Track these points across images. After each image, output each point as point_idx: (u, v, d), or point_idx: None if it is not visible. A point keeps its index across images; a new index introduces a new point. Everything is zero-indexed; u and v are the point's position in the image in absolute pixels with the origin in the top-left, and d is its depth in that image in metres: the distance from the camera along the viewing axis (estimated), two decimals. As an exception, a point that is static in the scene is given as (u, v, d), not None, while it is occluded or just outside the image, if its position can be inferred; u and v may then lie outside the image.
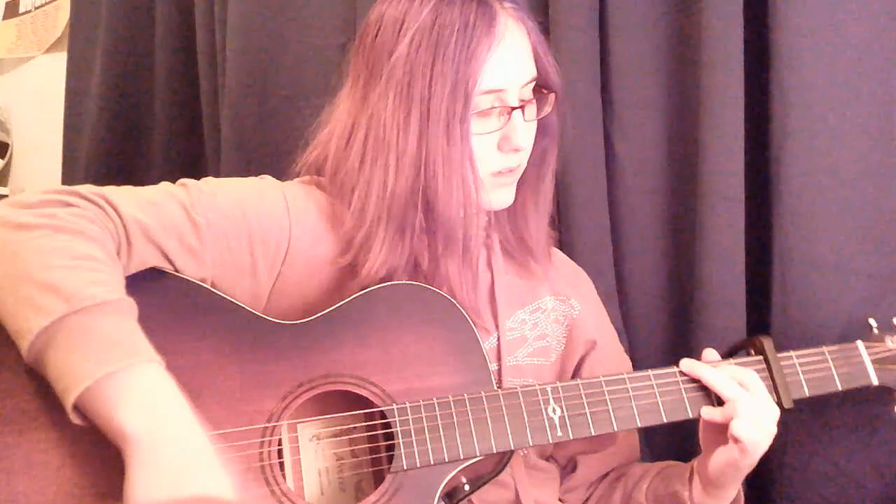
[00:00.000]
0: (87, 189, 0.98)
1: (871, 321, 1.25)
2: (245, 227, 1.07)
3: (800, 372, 1.16)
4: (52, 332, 0.86)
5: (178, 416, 0.88)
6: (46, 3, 2.64)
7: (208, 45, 1.95)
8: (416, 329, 1.08)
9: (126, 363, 0.86)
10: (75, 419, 0.87)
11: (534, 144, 1.18)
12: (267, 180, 1.16)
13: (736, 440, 1.07)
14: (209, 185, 1.09)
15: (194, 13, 1.98)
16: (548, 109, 1.18)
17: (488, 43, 1.07)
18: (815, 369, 1.17)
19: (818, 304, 1.33)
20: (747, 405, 1.08)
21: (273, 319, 1.05)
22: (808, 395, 1.16)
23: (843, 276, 1.32)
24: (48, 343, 0.86)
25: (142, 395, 0.86)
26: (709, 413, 1.10)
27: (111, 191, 1.00)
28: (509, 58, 1.10)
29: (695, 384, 1.12)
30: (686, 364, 1.12)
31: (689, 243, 1.43)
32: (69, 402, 0.85)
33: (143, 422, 0.85)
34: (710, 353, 1.17)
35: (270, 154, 1.79)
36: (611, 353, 1.31)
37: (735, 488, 1.15)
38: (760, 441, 1.07)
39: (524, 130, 1.12)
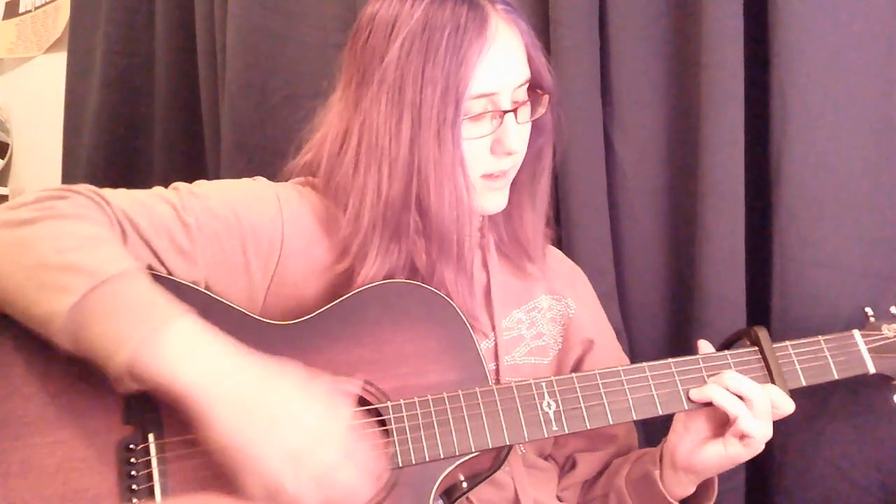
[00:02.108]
0: (81, 187, 1.01)
1: (868, 310, 1.25)
2: (237, 228, 1.07)
3: (795, 361, 1.16)
4: (83, 307, 0.88)
5: (225, 355, 0.92)
6: (46, 3, 2.64)
7: (208, 45, 1.95)
8: (410, 327, 1.08)
9: (161, 320, 0.89)
10: (125, 387, 0.89)
11: (529, 145, 1.18)
12: (260, 181, 1.17)
13: (743, 436, 1.07)
14: (201, 187, 1.10)
15: (194, 13, 1.98)
16: (542, 110, 1.18)
17: (479, 47, 1.07)
18: (811, 358, 1.17)
19: (818, 304, 1.33)
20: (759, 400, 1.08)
21: (266, 320, 1.06)
22: (804, 384, 1.15)
23: (842, 275, 1.32)
24: (82, 319, 0.88)
25: (186, 348, 0.90)
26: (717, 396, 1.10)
27: (103, 190, 1.02)
28: (501, 61, 1.10)
29: (690, 377, 1.12)
30: (695, 393, 1.11)
31: (689, 243, 1.43)
32: (118, 366, 0.87)
33: (195, 373, 0.89)
34: (704, 345, 1.17)
35: (270, 154, 1.79)
36: (608, 352, 1.31)
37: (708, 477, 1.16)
38: (766, 436, 1.08)
39: (517, 133, 1.12)
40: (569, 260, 1.39)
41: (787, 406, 1.11)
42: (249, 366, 0.92)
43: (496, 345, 1.20)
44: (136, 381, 0.89)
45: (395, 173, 1.08)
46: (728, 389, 1.09)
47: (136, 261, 0.98)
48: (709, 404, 1.10)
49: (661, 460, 1.17)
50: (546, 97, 1.17)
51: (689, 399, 1.11)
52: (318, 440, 0.90)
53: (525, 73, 1.14)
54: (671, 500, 1.15)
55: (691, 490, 1.16)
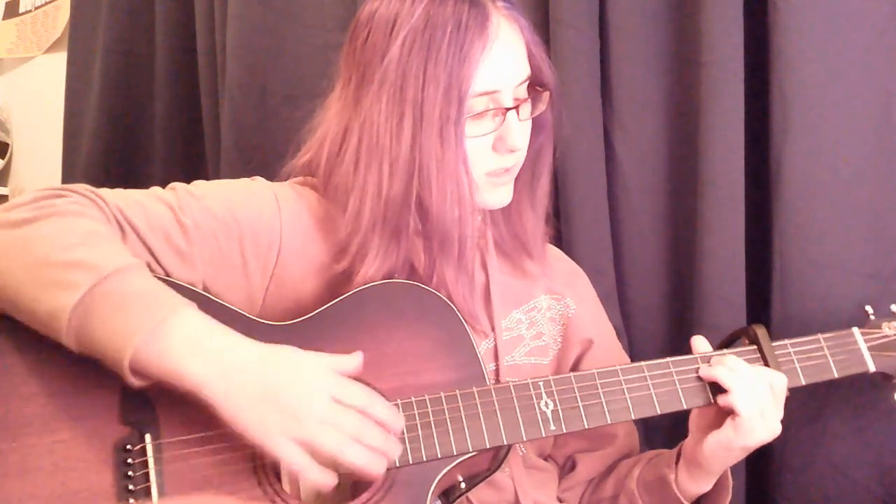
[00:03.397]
0: (79, 186, 1.01)
1: (868, 308, 1.25)
2: (235, 228, 1.07)
3: (795, 360, 1.15)
4: (88, 303, 0.88)
5: (229, 344, 0.94)
6: (46, 3, 2.64)
7: (208, 45, 1.95)
8: (408, 327, 1.08)
9: (165, 313, 0.90)
10: (134, 381, 0.90)
11: (529, 142, 1.18)
12: (258, 181, 1.16)
13: (733, 413, 1.07)
14: (198, 187, 1.10)
15: (194, 13, 1.98)
16: (542, 107, 1.17)
17: (481, 45, 1.06)
18: (810, 357, 1.16)
19: (818, 304, 1.33)
20: (744, 380, 1.09)
21: (264, 321, 1.05)
22: (804, 383, 1.15)
23: (842, 275, 1.32)
24: (87, 314, 0.88)
25: (193, 339, 0.91)
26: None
27: (100, 189, 1.02)
28: (503, 58, 1.09)
29: (689, 376, 1.12)
30: (704, 372, 1.12)
31: (689, 243, 1.43)
32: (125, 361, 0.88)
33: (203, 364, 0.90)
34: (700, 342, 1.16)
35: (270, 154, 1.79)
36: (608, 351, 1.31)
37: (720, 473, 1.15)
38: (754, 417, 1.07)
39: (519, 130, 1.12)
40: (569, 259, 1.39)
41: (780, 382, 1.11)
42: (254, 354, 0.94)
43: (496, 345, 1.20)
44: (142, 374, 0.90)
45: (396, 172, 1.08)
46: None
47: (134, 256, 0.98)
48: (714, 385, 1.10)
49: (676, 463, 1.17)
50: (547, 94, 1.17)
51: (687, 399, 1.11)
52: (326, 424, 0.92)
53: (526, 71, 1.13)
54: (684, 501, 1.15)
55: (704, 487, 1.16)
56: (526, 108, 1.15)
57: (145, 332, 0.88)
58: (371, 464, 0.94)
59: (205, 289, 1.05)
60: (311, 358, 0.96)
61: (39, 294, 0.90)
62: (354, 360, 0.98)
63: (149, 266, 1.01)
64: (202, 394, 0.90)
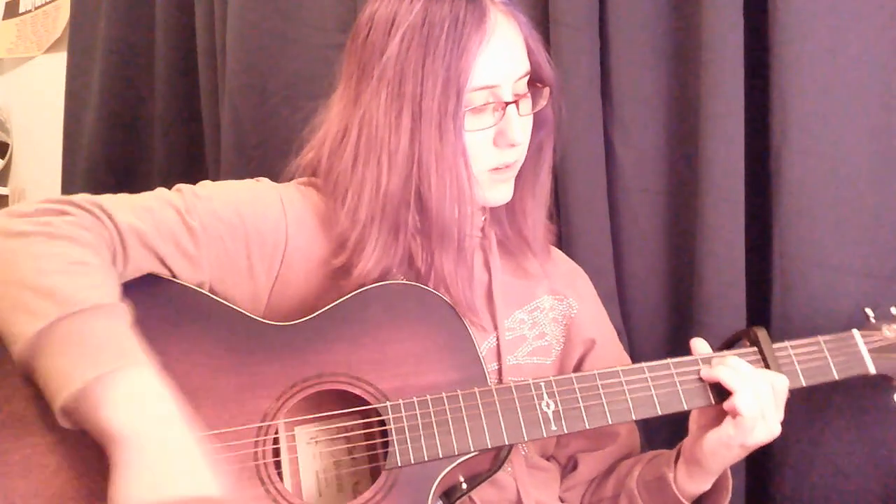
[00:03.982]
0: (83, 198, 0.99)
1: (868, 311, 1.25)
2: (241, 230, 1.07)
3: (795, 362, 1.16)
4: (45, 335, 0.86)
5: (166, 418, 0.88)
6: (46, 3, 2.64)
7: (208, 44, 1.95)
8: (409, 327, 1.08)
9: (115, 366, 0.86)
10: (64, 423, 0.87)
11: (530, 139, 1.18)
12: (263, 182, 1.17)
13: (734, 413, 1.07)
14: (204, 189, 1.10)
15: (194, 13, 1.98)
16: (543, 103, 1.18)
17: (479, 39, 1.07)
18: (810, 359, 1.17)
19: (818, 304, 1.33)
20: (746, 380, 1.09)
21: (267, 321, 1.06)
22: (804, 384, 1.15)
23: (842, 275, 1.32)
24: (40, 348, 0.86)
25: (129, 397, 0.86)
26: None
27: (106, 198, 1.01)
28: (501, 53, 1.10)
29: (690, 377, 1.12)
30: (706, 373, 1.12)
31: (689, 243, 1.43)
32: (58, 405, 0.85)
33: (129, 423, 0.85)
34: (699, 344, 1.16)
35: (270, 154, 1.79)
36: (610, 352, 1.31)
37: (718, 472, 1.15)
38: (756, 416, 1.07)
39: (519, 125, 1.12)
40: (570, 260, 1.39)
41: (782, 383, 1.11)
42: (173, 440, 0.88)
43: (498, 344, 1.20)
44: (72, 420, 0.87)
45: (395, 167, 1.08)
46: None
47: (137, 272, 0.99)
48: (714, 385, 1.10)
49: (675, 462, 1.17)
50: (546, 90, 1.18)
51: (687, 399, 1.11)
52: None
53: (525, 66, 1.14)
54: (683, 500, 1.15)
55: (703, 487, 1.16)
56: (526, 104, 1.15)
57: (87, 381, 0.84)
58: None
59: (211, 290, 1.06)
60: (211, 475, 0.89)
61: (7, 313, 0.89)
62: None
63: (155, 272, 1.00)
64: (111, 447, 0.86)
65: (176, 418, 0.89)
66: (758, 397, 1.08)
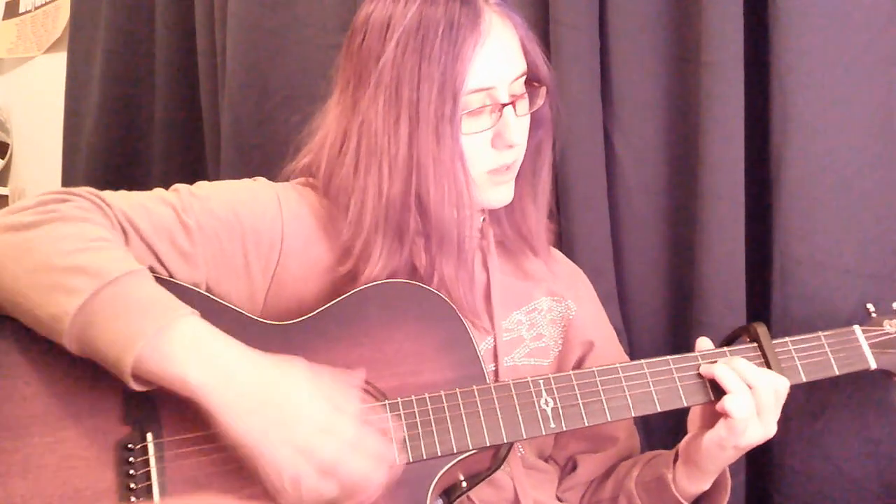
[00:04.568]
0: (82, 189, 1.01)
1: (869, 306, 1.25)
2: (238, 229, 1.07)
3: (795, 357, 1.15)
4: (90, 308, 0.88)
5: (236, 355, 0.93)
6: (46, 3, 2.64)
7: (208, 45, 1.95)
8: (408, 326, 1.08)
9: (169, 318, 0.90)
10: (136, 386, 0.90)
11: (528, 138, 1.19)
12: (260, 181, 1.17)
13: (725, 415, 1.07)
14: (201, 188, 1.10)
15: (194, 13, 1.98)
16: (540, 103, 1.18)
17: (474, 41, 1.07)
18: (811, 354, 1.16)
19: (818, 304, 1.33)
20: (740, 381, 1.08)
21: (265, 321, 1.06)
22: (804, 380, 1.15)
23: (843, 275, 1.32)
24: (88, 320, 0.88)
25: (196, 343, 0.90)
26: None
27: (104, 193, 1.02)
28: (497, 54, 1.10)
29: (689, 373, 1.12)
30: (704, 369, 1.12)
31: (689, 243, 1.43)
32: (127, 366, 0.88)
33: (208, 369, 0.90)
34: (703, 342, 1.16)
35: (270, 154, 1.79)
36: (609, 354, 1.31)
37: (716, 473, 1.15)
38: (747, 418, 1.07)
39: (517, 126, 1.12)
40: (570, 261, 1.39)
41: (783, 385, 1.10)
42: (255, 363, 0.93)
43: (495, 345, 1.20)
44: (143, 380, 0.90)
45: (395, 172, 1.08)
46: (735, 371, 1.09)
47: (139, 262, 0.98)
48: (714, 383, 1.10)
49: (674, 463, 1.17)
50: (544, 89, 1.18)
51: (687, 396, 1.11)
52: (325, 432, 0.91)
53: (521, 66, 1.14)
54: (682, 501, 1.15)
55: (702, 487, 1.16)
56: (523, 104, 1.16)
57: (147, 337, 0.88)
58: (371, 471, 0.93)
59: (207, 289, 1.06)
60: (310, 367, 0.96)
61: (42, 298, 0.90)
62: (356, 377, 0.98)
63: (152, 268, 1.01)
64: (201, 400, 0.90)
65: (238, 351, 0.93)
66: (753, 399, 1.07)
